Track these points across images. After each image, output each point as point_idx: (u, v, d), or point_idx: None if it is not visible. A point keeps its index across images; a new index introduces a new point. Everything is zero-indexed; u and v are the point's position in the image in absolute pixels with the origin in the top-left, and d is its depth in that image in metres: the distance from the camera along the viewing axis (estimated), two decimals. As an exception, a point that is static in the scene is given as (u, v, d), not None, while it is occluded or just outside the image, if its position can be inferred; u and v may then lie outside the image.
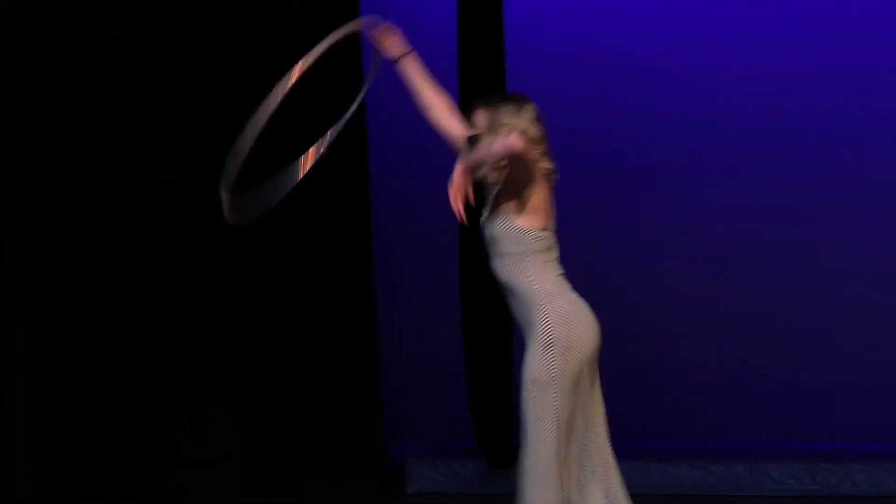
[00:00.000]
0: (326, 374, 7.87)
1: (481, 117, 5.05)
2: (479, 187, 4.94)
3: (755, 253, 8.47)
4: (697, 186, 8.57)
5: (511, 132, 4.86)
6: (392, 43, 5.28)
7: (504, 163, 4.85)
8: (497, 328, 7.76)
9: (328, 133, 5.17)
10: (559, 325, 4.85)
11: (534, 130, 4.95)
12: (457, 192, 4.66)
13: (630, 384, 8.07)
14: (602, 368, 4.93)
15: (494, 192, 4.98)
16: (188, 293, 7.77)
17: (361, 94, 5.30)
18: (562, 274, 4.97)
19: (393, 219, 8.53)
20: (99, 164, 7.68)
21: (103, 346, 7.63)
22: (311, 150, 5.18)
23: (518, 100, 5.06)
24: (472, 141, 5.00)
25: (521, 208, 4.93)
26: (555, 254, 4.98)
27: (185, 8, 7.75)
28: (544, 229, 4.95)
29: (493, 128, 4.96)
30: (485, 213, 5.03)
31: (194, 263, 7.77)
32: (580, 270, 5.15)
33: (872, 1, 8.32)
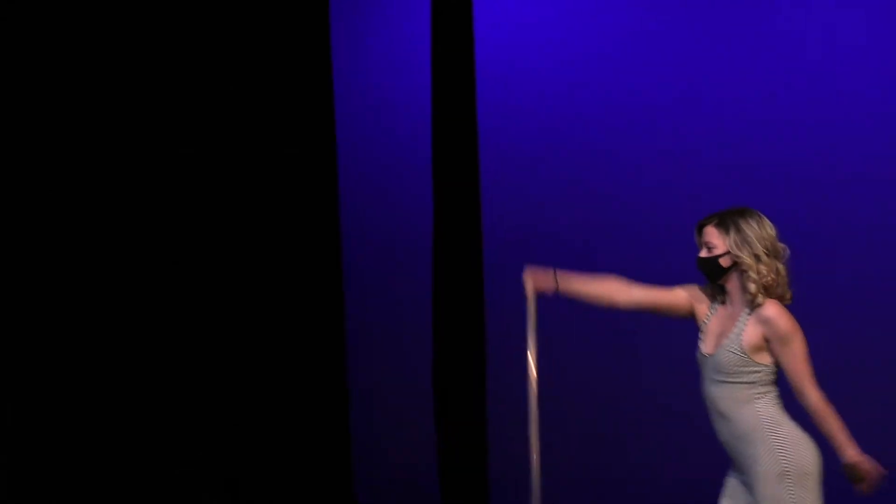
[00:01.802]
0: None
1: (713, 236, 4.85)
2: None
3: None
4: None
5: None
6: (541, 282, 5.05)
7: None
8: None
9: None
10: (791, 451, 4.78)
11: (780, 247, 4.85)
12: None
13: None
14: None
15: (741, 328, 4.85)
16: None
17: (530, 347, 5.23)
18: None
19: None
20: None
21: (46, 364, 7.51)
22: None
23: (748, 211, 4.86)
24: (709, 264, 4.86)
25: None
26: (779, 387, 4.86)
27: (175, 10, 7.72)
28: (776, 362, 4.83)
29: (739, 246, 4.79)
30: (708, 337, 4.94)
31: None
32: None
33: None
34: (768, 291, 4.76)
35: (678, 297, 5.00)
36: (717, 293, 4.93)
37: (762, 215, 4.84)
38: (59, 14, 7.53)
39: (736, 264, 4.80)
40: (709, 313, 4.94)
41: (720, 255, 4.81)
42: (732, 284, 4.84)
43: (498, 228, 7.97)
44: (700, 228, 4.90)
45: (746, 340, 4.75)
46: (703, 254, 4.86)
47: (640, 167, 8.11)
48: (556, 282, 5.02)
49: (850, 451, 4.66)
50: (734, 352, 4.76)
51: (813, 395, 4.70)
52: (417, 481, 8.26)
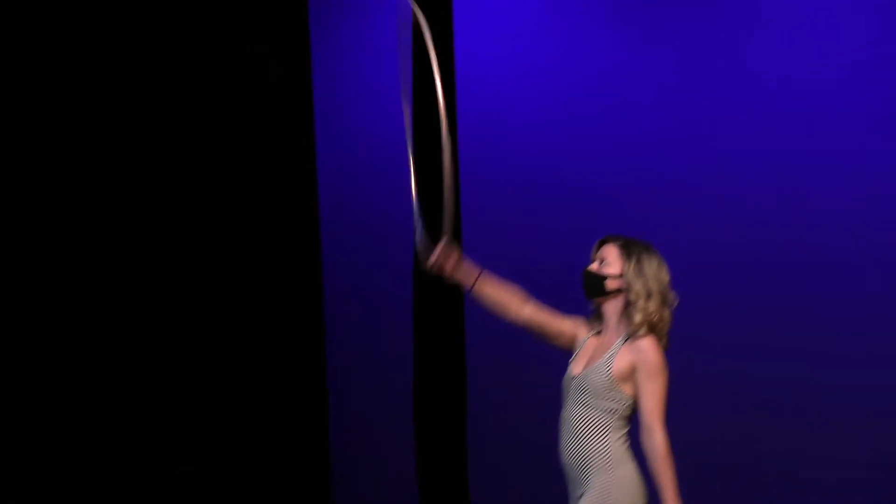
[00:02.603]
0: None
1: (613, 256, 4.81)
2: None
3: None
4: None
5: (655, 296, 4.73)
6: (464, 273, 4.92)
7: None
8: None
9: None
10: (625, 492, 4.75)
11: (672, 294, 4.80)
12: None
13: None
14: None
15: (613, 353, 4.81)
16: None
17: None
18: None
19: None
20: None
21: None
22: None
23: (653, 249, 4.82)
24: (595, 279, 4.80)
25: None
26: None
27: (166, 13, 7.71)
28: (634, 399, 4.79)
29: (635, 275, 4.75)
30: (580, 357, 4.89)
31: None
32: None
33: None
34: (651, 330, 4.73)
35: (564, 325, 4.95)
36: (595, 324, 4.90)
37: (663, 258, 4.79)
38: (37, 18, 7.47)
39: (622, 292, 4.78)
40: (583, 339, 4.91)
41: (611, 276, 4.78)
42: (611, 311, 4.82)
43: (478, 232, 7.94)
44: (602, 243, 4.85)
45: (616, 366, 4.72)
46: (595, 267, 4.83)
47: (618, 181, 8.13)
48: (475, 280, 4.92)
49: None
50: (603, 374, 4.73)
51: (660, 436, 4.63)
52: (396, 488, 8.26)
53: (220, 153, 7.90)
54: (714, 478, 7.79)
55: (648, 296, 4.73)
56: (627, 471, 4.72)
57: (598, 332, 4.89)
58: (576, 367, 4.85)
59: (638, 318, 4.71)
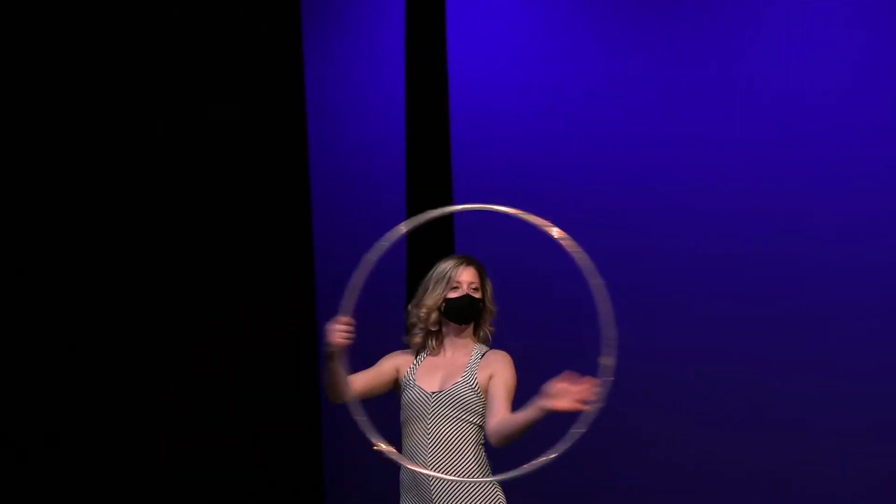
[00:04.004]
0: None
1: (478, 279, 5.03)
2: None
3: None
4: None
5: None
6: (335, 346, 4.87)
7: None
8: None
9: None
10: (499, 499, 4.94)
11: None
12: None
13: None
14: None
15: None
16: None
17: None
18: None
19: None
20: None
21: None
22: None
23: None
24: (477, 306, 4.97)
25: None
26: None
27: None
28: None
29: (488, 303, 5.04)
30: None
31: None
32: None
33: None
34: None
35: (383, 369, 5.10)
36: (421, 348, 5.05)
37: None
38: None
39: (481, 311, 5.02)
40: (414, 363, 5.04)
41: (483, 301, 5.02)
42: (465, 331, 5.04)
43: (469, 239, 7.96)
44: (464, 267, 5.03)
45: (480, 378, 4.90)
46: (477, 294, 5.01)
47: (612, 188, 8.12)
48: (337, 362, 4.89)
49: (541, 407, 4.64)
50: (472, 387, 4.90)
51: (509, 411, 4.79)
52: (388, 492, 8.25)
53: (215, 150, 7.88)
54: (713, 484, 7.83)
55: (491, 314, 5.07)
56: (491, 481, 4.89)
57: (433, 352, 5.05)
58: (428, 385, 4.99)
59: (485, 333, 5.06)
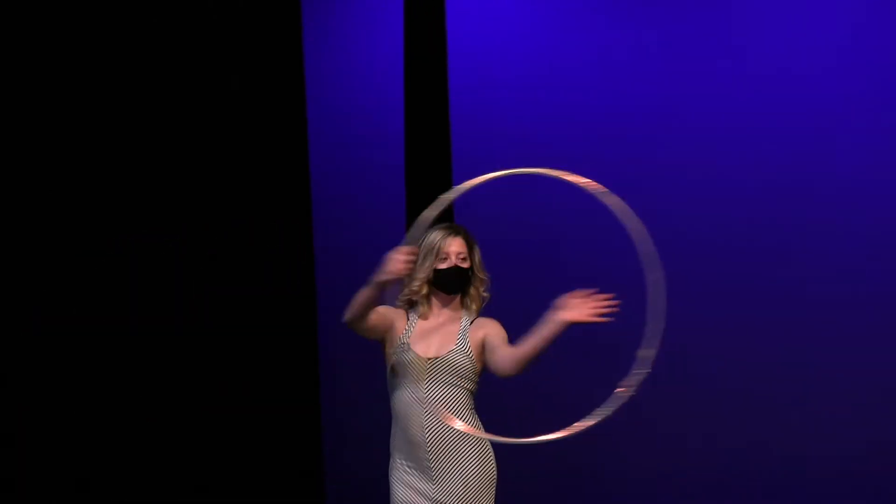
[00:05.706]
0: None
1: (465, 248, 5.11)
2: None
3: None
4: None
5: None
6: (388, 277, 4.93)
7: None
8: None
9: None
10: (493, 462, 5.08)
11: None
12: None
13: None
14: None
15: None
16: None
17: None
18: None
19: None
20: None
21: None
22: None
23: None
24: (465, 275, 5.04)
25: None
26: None
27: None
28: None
29: (478, 271, 5.12)
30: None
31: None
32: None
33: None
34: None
35: (388, 319, 5.15)
36: (411, 309, 5.16)
37: None
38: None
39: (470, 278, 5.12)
40: (407, 327, 5.11)
41: (471, 270, 5.11)
42: (455, 299, 5.14)
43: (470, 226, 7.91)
44: (449, 234, 5.10)
45: (473, 344, 5.03)
46: (465, 264, 5.10)
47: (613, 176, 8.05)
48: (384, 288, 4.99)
49: (554, 320, 4.70)
50: (466, 354, 5.03)
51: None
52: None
53: (214, 149, 7.87)
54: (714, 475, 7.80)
55: (481, 282, 5.13)
56: (488, 443, 5.04)
57: (420, 317, 5.14)
58: (426, 350, 5.07)
59: (477, 303, 5.14)
